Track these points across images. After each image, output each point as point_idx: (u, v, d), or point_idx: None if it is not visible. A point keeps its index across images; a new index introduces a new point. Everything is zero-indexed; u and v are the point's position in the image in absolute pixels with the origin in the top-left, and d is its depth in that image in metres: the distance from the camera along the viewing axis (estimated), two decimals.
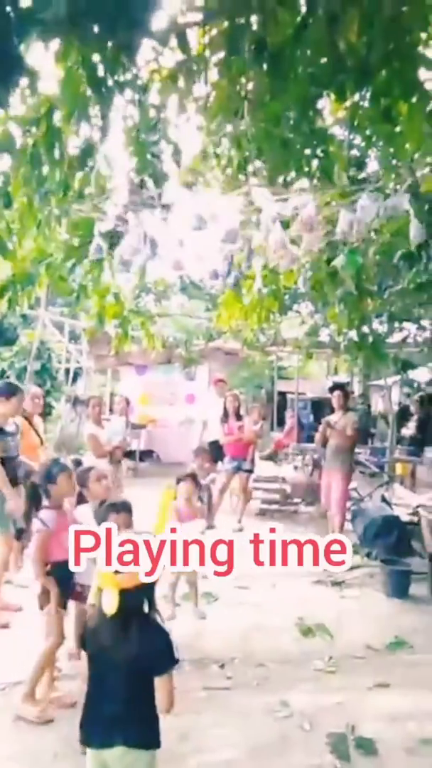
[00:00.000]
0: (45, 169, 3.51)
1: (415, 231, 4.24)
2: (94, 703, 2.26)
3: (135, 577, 2.12)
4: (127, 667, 2.17)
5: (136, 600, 2.18)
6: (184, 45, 3.19)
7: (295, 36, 3.08)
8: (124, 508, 3.67)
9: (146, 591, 2.21)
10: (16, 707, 3.54)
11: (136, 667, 2.17)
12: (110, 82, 2.98)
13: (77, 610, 3.89)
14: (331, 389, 7.94)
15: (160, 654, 2.22)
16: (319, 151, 4.23)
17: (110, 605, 2.09)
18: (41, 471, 3.97)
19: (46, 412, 9.73)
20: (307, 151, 4.16)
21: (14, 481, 5.11)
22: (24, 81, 2.81)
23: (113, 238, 4.07)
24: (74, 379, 12.93)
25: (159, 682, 2.20)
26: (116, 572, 2.11)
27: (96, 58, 2.88)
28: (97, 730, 2.24)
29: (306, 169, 4.22)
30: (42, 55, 2.88)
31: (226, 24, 3.22)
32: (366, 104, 3.90)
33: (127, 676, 2.18)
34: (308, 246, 4.33)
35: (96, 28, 2.63)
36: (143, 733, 2.22)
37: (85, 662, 2.33)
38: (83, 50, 2.82)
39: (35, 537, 3.70)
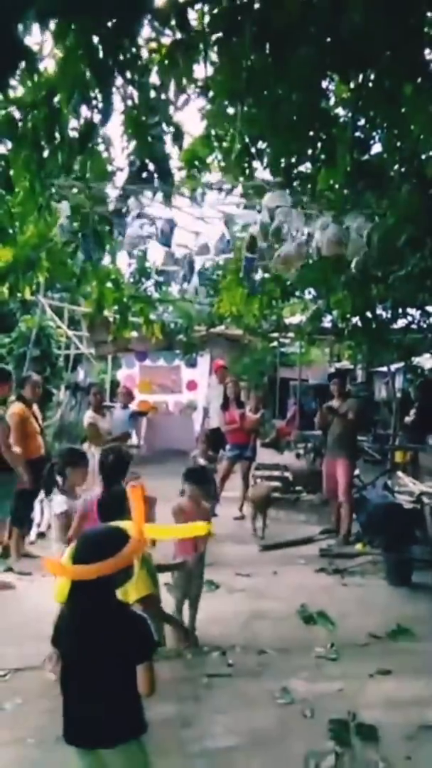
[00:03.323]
0: (45, 153, 3.46)
1: (353, 248, 4.44)
2: (74, 703, 2.15)
3: (92, 571, 2.02)
4: (104, 662, 2.08)
5: (101, 591, 2.07)
6: (183, 23, 3.12)
7: (299, 16, 3.00)
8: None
9: (110, 583, 2.10)
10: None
11: (115, 660, 2.09)
12: (110, 62, 2.91)
13: None
14: (330, 377, 7.94)
15: (138, 642, 2.14)
16: (322, 134, 4.16)
17: (60, 594, 2.02)
18: (64, 456, 4.05)
19: (46, 399, 9.68)
20: (311, 134, 4.09)
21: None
22: (23, 64, 2.76)
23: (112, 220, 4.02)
24: (74, 366, 12.84)
25: (140, 670, 2.11)
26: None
27: (95, 38, 2.82)
28: (80, 731, 2.14)
29: (309, 152, 4.14)
30: (40, 36, 2.82)
31: (226, 2, 3.15)
32: (370, 85, 3.83)
33: (106, 670, 2.09)
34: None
35: (94, 8, 2.57)
36: (128, 725, 2.14)
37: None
38: (82, 30, 2.76)
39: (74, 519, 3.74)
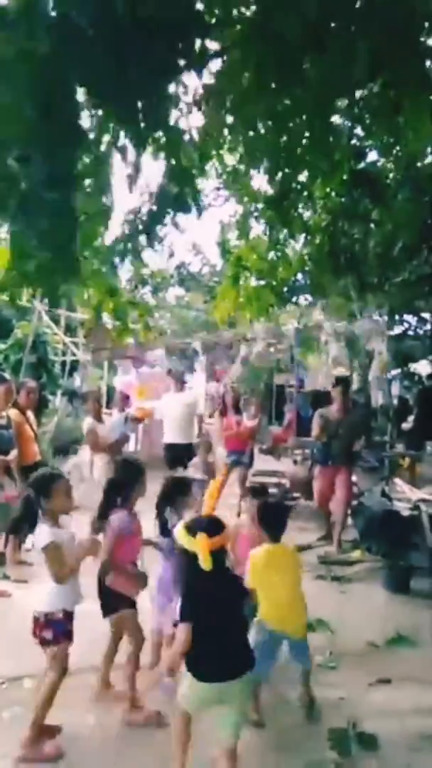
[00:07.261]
0: None
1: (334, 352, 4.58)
2: (210, 642, 2.63)
3: (222, 540, 2.72)
4: (234, 609, 2.77)
5: (222, 556, 2.74)
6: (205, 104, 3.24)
7: (310, 30, 3.01)
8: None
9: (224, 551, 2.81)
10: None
11: (237, 604, 2.80)
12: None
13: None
14: (335, 384, 7.85)
15: (246, 593, 3.04)
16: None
17: (206, 563, 2.60)
18: (122, 471, 3.80)
19: (42, 406, 9.65)
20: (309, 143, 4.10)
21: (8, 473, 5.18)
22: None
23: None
24: (70, 373, 12.82)
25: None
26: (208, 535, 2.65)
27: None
28: (219, 666, 2.63)
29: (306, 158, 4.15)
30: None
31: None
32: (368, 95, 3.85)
33: (235, 616, 2.77)
34: None
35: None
36: (250, 658, 2.74)
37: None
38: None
39: (115, 537, 3.51)
